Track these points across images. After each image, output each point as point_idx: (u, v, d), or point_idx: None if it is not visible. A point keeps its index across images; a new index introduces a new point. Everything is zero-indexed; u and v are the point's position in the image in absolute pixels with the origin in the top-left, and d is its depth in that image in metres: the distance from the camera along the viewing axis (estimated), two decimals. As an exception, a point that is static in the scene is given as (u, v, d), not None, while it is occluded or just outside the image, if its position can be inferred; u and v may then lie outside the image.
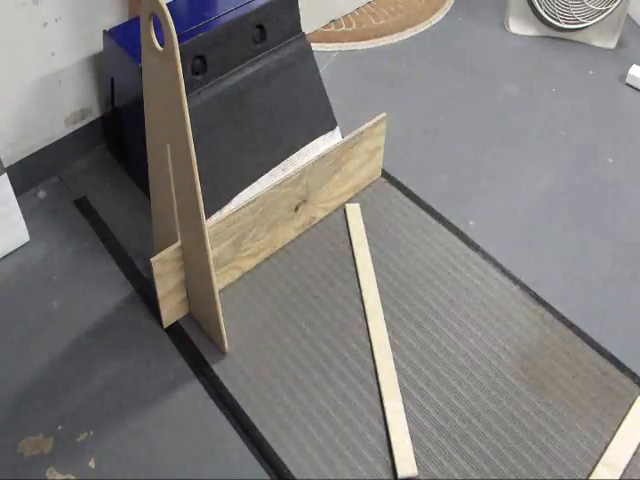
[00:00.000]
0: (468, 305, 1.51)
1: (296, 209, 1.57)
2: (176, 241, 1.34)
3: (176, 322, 1.47)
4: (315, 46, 2.15)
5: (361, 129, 1.60)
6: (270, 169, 1.58)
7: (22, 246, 1.60)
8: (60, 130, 1.72)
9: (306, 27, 1.69)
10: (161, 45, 1.08)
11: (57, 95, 1.65)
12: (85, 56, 1.65)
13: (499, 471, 1.26)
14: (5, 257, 1.59)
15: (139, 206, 1.68)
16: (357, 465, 1.26)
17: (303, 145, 1.63)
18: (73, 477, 1.25)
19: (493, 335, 1.46)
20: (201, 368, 1.40)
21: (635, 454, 1.29)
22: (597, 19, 2.13)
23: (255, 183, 1.55)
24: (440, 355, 1.43)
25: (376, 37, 2.22)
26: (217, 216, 1.48)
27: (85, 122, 1.76)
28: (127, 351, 1.42)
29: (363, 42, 2.20)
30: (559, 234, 1.67)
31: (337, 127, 1.69)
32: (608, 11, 2.11)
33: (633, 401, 1.36)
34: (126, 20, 1.66)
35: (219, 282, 1.49)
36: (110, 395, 1.36)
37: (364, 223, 1.66)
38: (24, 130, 1.64)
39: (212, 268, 1.28)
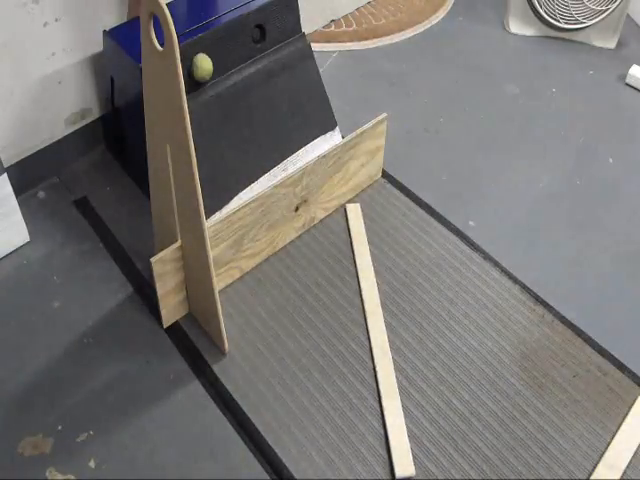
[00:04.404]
0: (468, 305, 1.51)
1: (296, 209, 1.57)
2: (176, 241, 1.34)
3: (176, 322, 1.47)
4: (315, 46, 2.15)
5: (362, 129, 1.60)
6: (270, 169, 1.58)
7: (22, 246, 1.60)
8: (60, 130, 1.72)
9: (306, 27, 1.69)
10: (161, 45, 1.08)
11: (57, 95, 1.65)
12: (85, 56, 1.65)
13: (499, 471, 1.26)
14: (5, 257, 1.59)
15: (139, 206, 1.68)
16: (356, 465, 1.26)
17: (303, 145, 1.63)
18: (73, 477, 1.25)
19: (493, 335, 1.46)
20: (201, 368, 1.40)
21: (635, 454, 1.28)
22: (597, 19, 2.13)
23: (255, 183, 1.55)
24: (440, 355, 1.43)
25: (376, 37, 2.22)
26: (217, 216, 1.48)
27: (85, 122, 1.76)
28: (127, 351, 1.42)
29: (363, 42, 2.20)
30: (559, 234, 1.67)
31: (337, 127, 1.69)
32: (608, 11, 2.11)
33: (633, 401, 1.36)
34: (126, 20, 1.66)
35: (219, 282, 1.49)
36: (110, 395, 1.36)
37: (364, 223, 1.66)
38: (24, 130, 1.64)
39: (212, 268, 1.28)
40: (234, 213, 1.42)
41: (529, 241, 1.65)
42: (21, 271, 1.56)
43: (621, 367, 1.41)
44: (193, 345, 1.43)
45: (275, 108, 1.58)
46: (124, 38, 1.54)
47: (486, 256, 1.61)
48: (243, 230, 1.47)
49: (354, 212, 1.68)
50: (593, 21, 2.14)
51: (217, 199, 1.49)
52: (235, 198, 1.52)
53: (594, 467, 1.27)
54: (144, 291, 1.52)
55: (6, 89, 1.55)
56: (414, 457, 1.27)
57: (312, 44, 1.70)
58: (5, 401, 1.34)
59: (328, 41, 2.19)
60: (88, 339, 1.44)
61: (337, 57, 2.15)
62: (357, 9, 2.32)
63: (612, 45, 2.20)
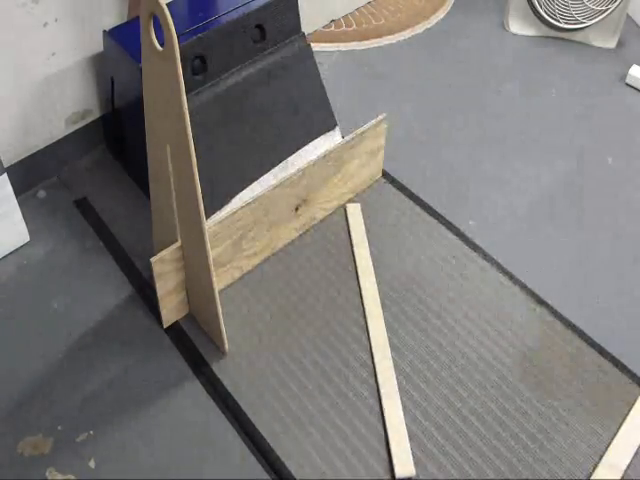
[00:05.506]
0: (468, 305, 1.51)
1: (296, 209, 1.57)
2: (176, 241, 1.34)
3: (176, 322, 1.47)
4: (315, 46, 2.15)
5: (362, 129, 1.60)
6: (270, 169, 1.58)
7: (22, 246, 1.60)
8: (60, 130, 1.72)
9: (306, 27, 1.69)
10: (161, 45, 1.08)
11: (57, 95, 1.65)
12: (85, 56, 1.65)
13: (499, 471, 1.26)
14: (5, 257, 1.59)
15: (139, 206, 1.68)
16: (357, 465, 1.26)
17: (303, 145, 1.63)
18: (73, 477, 1.25)
19: (493, 335, 1.46)
20: (201, 368, 1.40)
21: (636, 454, 1.28)
22: (597, 19, 2.13)
23: (255, 183, 1.55)
24: (440, 355, 1.42)
25: (376, 37, 2.22)
26: (217, 216, 1.48)
27: (85, 122, 1.76)
28: (127, 351, 1.42)
29: (363, 42, 2.20)
30: (559, 234, 1.67)
31: (337, 127, 1.69)
32: (608, 11, 2.11)
33: (633, 401, 1.36)
34: (126, 20, 1.66)
35: (219, 282, 1.49)
36: (110, 395, 1.36)
37: (364, 223, 1.66)
38: (24, 130, 1.64)
39: (212, 268, 1.28)
40: (234, 213, 1.42)
41: (529, 241, 1.65)
42: (21, 271, 1.56)
43: (621, 367, 1.41)
44: (193, 345, 1.43)
45: (275, 108, 1.58)
46: (124, 38, 1.54)
47: (486, 256, 1.61)
48: (243, 230, 1.47)
49: (354, 212, 1.68)
50: (593, 21, 2.14)
51: (217, 199, 1.49)
52: (235, 198, 1.52)
53: (594, 467, 1.27)
54: (144, 291, 1.52)
55: (6, 89, 1.55)
56: (414, 457, 1.27)
57: (312, 44, 1.70)
58: (5, 401, 1.34)
59: (328, 41, 2.19)
60: (88, 339, 1.44)
61: (337, 57, 2.15)
62: (357, 9, 2.32)
63: (612, 45, 2.20)
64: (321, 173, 1.57)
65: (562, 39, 2.23)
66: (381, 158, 1.74)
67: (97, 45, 1.64)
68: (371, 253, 1.60)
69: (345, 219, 1.68)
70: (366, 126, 1.61)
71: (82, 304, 1.50)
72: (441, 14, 2.33)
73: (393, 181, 1.77)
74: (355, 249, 1.61)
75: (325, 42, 2.19)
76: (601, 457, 1.28)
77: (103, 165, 1.79)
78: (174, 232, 1.34)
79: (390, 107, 1.97)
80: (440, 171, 1.81)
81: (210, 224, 1.37)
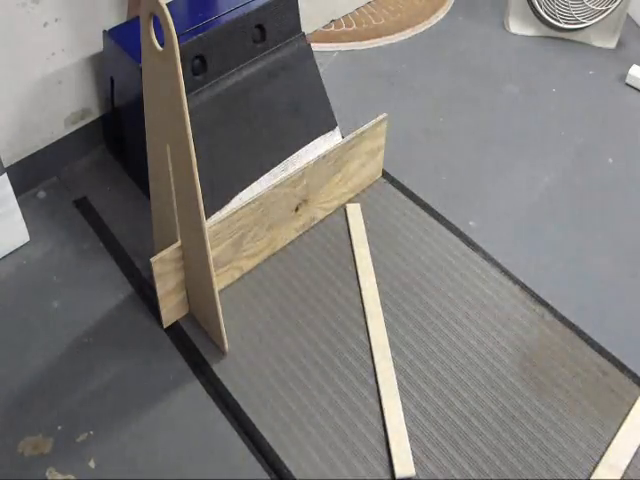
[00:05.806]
0: (468, 305, 1.51)
1: (296, 209, 1.57)
2: (176, 241, 1.34)
3: (176, 322, 1.47)
4: (315, 46, 2.15)
5: (362, 129, 1.60)
6: (270, 169, 1.58)
7: (22, 246, 1.60)
8: (60, 130, 1.72)
9: (306, 27, 1.69)
10: (161, 45, 1.08)
11: (57, 95, 1.65)
12: (85, 56, 1.65)
13: (499, 471, 1.26)
14: (5, 257, 1.59)
15: (139, 206, 1.68)
16: (357, 465, 1.26)
17: (303, 145, 1.63)
18: (73, 477, 1.25)
19: (493, 335, 1.46)
20: (201, 368, 1.40)
21: (636, 454, 1.28)
22: (597, 19, 2.13)
23: (255, 183, 1.55)
24: (440, 355, 1.42)
25: (376, 37, 2.22)
26: (217, 216, 1.48)
27: (85, 122, 1.76)
28: (127, 351, 1.42)
29: (363, 42, 2.20)
30: (559, 234, 1.67)
31: (337, 127, 1.69)
32: (608, 11, 2.11)
33: (633, 401, 1.36)
34: (126, 20, 1.66)
35: (219, 282, 1.49)
36: (110, 395, 1.36)
37: (364, 223, 1.66)
38: (24, 130, 1.64)
39: (212, 268, 1.28)
40: (234, 213, 1.42)
41: (529, 241, 1.65)
42: (21, 271, 1.56)
43: (621, 367, 1.41)
44: (193, 345, 1.43)
45: (275, 108, 1.58)
46: (124, 38, 1.54)
47: (486, 256, 1.61)
48: (243, 230, 1.47)
49: (354, 212, 1.68)
50: (593, 21, 2.14)
51: (217, 199, 1.49)
52: (235, 198, 1.52)
53: (594, 467, 1.27)
54: (144, 291, 1.52)
55: (6, 89, 1.55)
56: (414, 457, 1.27)
57: (312, 44, 1.70)
58: (5, 401, 1.34)
59: (328, 41, 2.19)
60: (88, 339, 1.44)
61: (337, 57, 2.15)
62: (357, 9, 2.32)
63: (612, 45, 2.20)
64: (321, 173, 1.57)
65: (562, 39, 2.23)
66: (381, 158, 1.74)
67: (97, 45, 1.64)
68: (371, 253, 1.60)
69: (345, 219, 1.68)
70: (366, 126, 1.61)
71: (82, 304, 1.50)
72: (441, 14, 2.33)
73: (393, 181, 1.77)
74: (355, 249, 1.61)
75: (325, 42, 2.19)
76: (601, 457, 1.28)
77: (103, 165, 1.79)
78: (174, 232, 1.34)
79: (390, 107, 1.97)
80: (440, 171, 1.81)
81: (210, 224, 1.37)
